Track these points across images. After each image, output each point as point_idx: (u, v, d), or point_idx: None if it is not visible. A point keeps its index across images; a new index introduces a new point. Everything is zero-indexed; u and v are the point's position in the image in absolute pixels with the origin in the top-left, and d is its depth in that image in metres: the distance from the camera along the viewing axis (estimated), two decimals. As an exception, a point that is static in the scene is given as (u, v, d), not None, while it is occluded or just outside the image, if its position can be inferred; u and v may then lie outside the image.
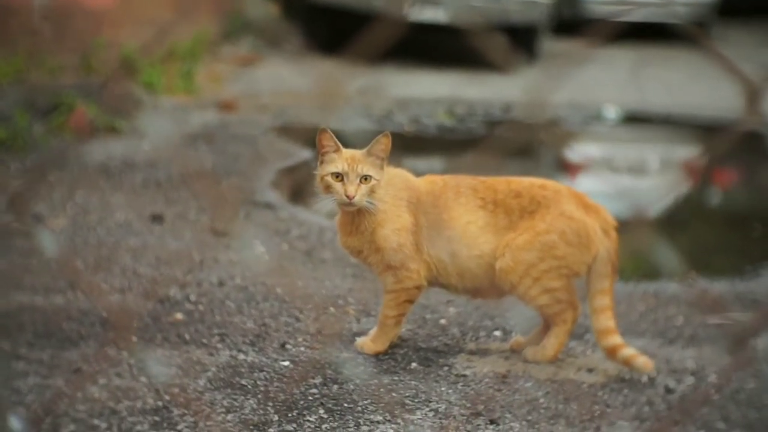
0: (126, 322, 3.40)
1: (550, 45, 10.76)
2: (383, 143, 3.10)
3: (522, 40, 9.95)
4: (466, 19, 9.59)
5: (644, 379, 3.13)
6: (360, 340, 3.28)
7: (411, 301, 3.22)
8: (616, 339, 3.16)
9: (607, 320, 3.16)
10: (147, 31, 8.13)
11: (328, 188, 3.09)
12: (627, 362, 3.15)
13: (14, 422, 2.57)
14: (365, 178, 3.07)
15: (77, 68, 7.10)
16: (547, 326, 3.26)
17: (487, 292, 3.24)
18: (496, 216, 3.17)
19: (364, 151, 3.09)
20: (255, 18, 11.06)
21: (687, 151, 7.83)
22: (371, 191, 3.08)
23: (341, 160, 3.07)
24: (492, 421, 2.81)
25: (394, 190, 3.16)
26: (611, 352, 3.17)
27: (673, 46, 11.93)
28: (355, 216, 3.14)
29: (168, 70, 7.88)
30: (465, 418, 2.83)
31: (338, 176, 3.06)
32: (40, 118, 6.13)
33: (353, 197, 3.05)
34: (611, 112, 8.22)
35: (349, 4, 9.60)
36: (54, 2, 6.99)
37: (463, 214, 3.16)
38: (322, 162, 3.11)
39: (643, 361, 3.14)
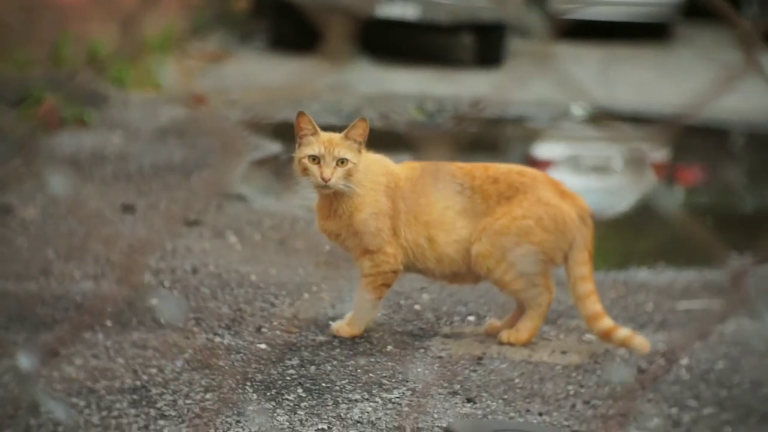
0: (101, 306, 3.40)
1: (518, 44, 10.83)
2: (360, 127, 3.12)
3: (491, 38, 9.99)
4: (436, 16, 9.62)
5: (617, 360, 3.17)
6: (336, 324, 3.30)
7: (387, 285, 3.24)
8: (607, 322, 3.20)
9: (593, 305, 3.19)
10: (116, 25, 8.08)
11: (305, 171, 3.10)
12: (624, 343, 3.19)
13: (23, 360, 2.56)
14: (342, 161, 3.08)
15: (45, 61, 7.05)
16: (521, 310, 3.29)
17: (464, 277, 3.27)
18: (473, 201, 3.19)
19: (341, 134, 3.12)
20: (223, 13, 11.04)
21: (653, 150, 7.91)
22: (348, 174, 3.10)
23: (318, 143, 3.09)
24: (469, 400, 2.84)
25: (373, 175, 3.18)
26: (606, 335, 3.20)
27: (640, 45, 12.05)
28: (332, 200, 3.16)
29: (137, 65, 7.84)
30: (442, 396, 2.86)
31: (315, 159, 3.08)
32: (8, 111, 6.08)
33: (329, 179, 3.06)
34: (579, 110, 8.30)
35: (317, 0, 9.59)
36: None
37: (440, 200, 3.19)
38: (299, 145, 3.12)
39: (641, 341, 3.19)
